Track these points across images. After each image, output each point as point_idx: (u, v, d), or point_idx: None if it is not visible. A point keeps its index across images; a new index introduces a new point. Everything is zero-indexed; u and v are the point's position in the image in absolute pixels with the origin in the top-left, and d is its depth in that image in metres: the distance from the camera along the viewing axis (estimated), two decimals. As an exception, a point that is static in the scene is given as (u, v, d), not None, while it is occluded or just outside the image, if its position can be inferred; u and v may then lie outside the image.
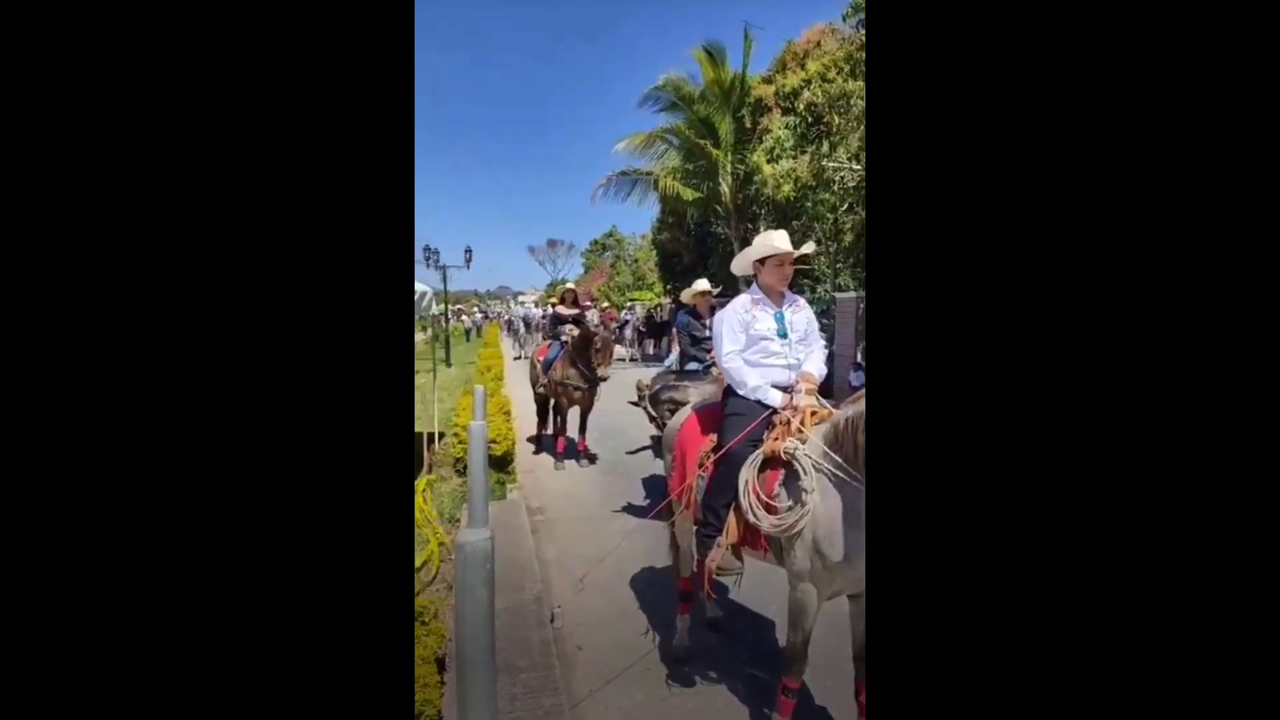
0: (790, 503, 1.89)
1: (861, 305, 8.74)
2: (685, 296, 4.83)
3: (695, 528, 2.39)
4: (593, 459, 5.74)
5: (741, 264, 2.34)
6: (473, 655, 1.43)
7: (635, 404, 4.77)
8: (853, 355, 8.01)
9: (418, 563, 3.33)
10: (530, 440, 6.40)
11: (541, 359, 5.98)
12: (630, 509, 4.47)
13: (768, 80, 12.48)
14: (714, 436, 2.26)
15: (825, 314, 9.90)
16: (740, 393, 2.15)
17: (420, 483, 4.64)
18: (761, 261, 2.23)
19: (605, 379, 5.23)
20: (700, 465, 2.29)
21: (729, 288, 8.21)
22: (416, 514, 4.02)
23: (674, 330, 5.65)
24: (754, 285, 2.31)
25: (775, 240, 2.19)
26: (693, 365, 4.45)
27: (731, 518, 2.08)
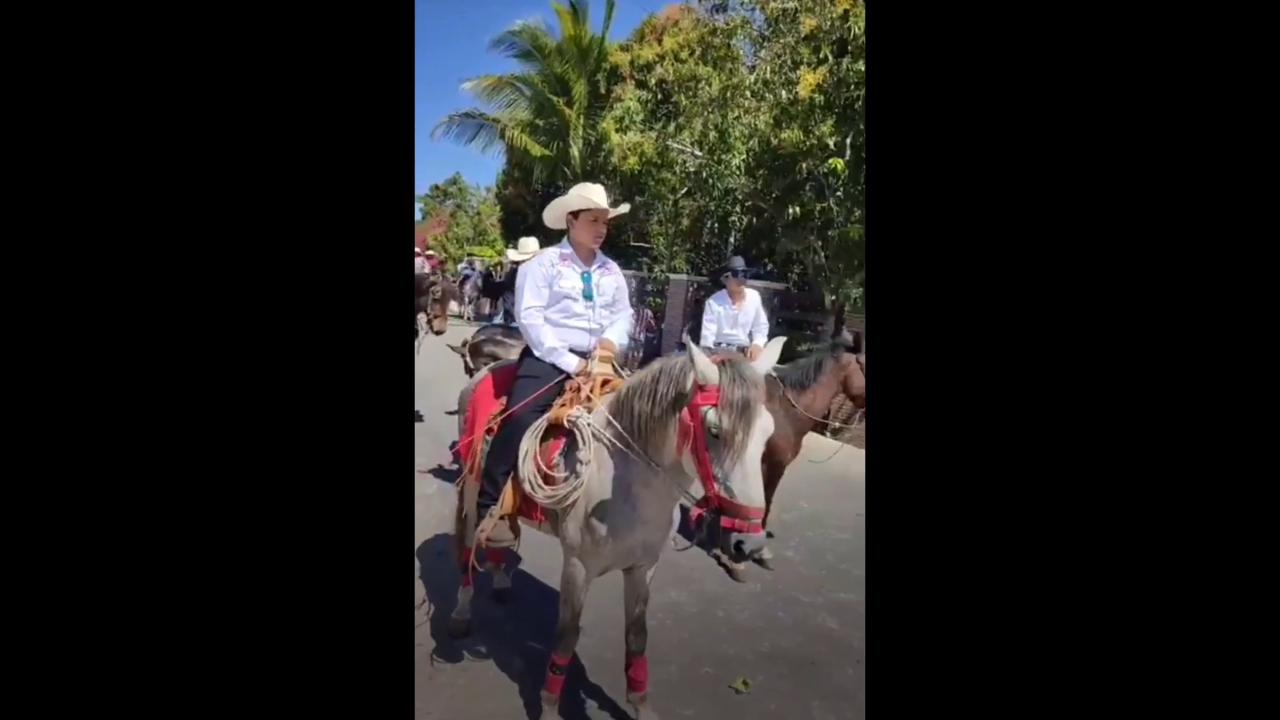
0: (566, 473, 1.82)
1: (691, 289, 9.12)
2: (513, 256, 4.57)
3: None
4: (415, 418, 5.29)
5: (554, 214, 2.18)
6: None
7: (454, 349, 4.42)
8: (678, 336, 8.37)
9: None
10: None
11: None
12: (436, 472, 4.18)
13: (625, 49, 12.34)
14: (505, 400, 2.12)
15: (659, 294, 10.19)
16: (536, 353, 2.04)
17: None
18: (575, 215, 2.09)
19: (441, 333, 4.76)
20: (488, 429, 2.14)
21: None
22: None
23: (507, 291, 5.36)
24: (564, 240, 2.18)
25: (591, 194, 2.06)
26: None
27: (509, 487, 1.97)
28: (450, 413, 5.58)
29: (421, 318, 4.93)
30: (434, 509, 3.60)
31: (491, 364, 2.58)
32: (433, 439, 4.88)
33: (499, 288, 5.56)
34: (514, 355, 3.20)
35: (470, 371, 4.01)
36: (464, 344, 4.40)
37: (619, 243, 14.37)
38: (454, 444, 4.19)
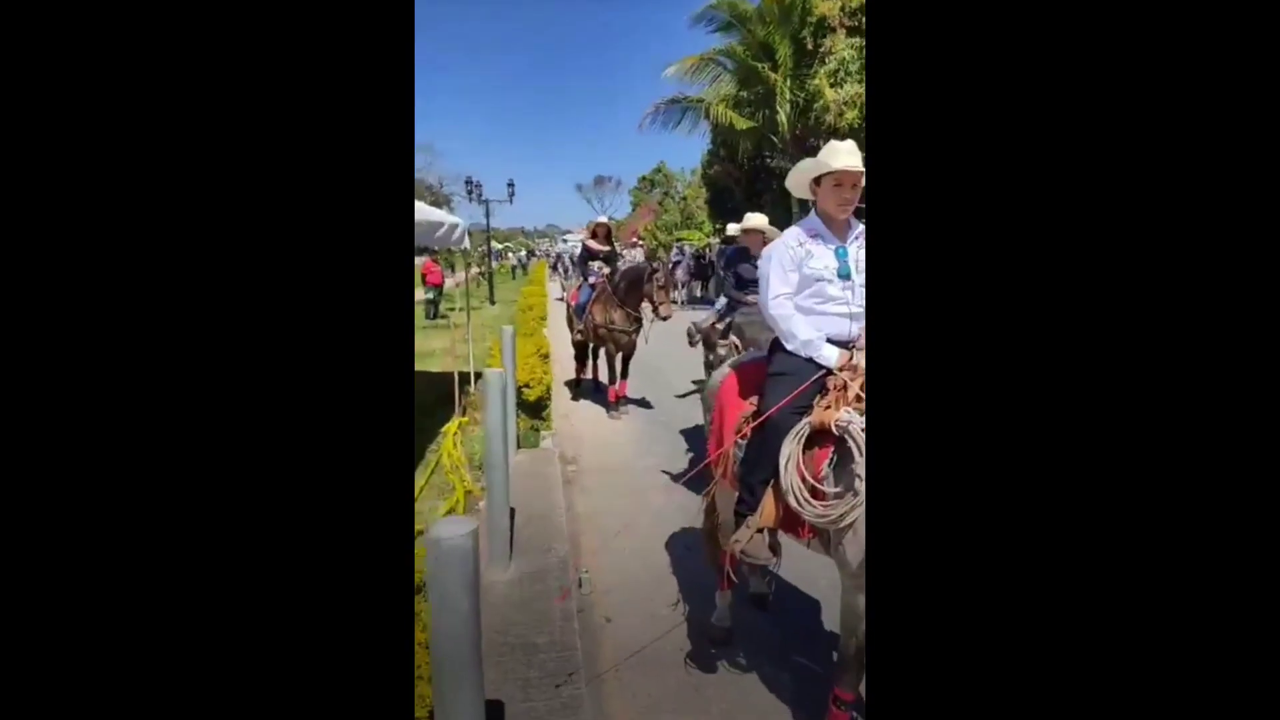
0: (840, 488, 1.54)
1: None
2: (733, 231, 4.33)
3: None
4: (642, 404, 5.47)
5: (797, 181, 1.86)
6: (453, 673, 1.15)
7: (692, 341, 4.40)
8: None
9: (441, 512, 3.16)
10: (568, 384, 6.18)
11: (574, 303, 5.63)
12: (671, 462, 4.20)
13: (833, -5, 11.24)
14: (755, 400, 1.90)
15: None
16: (789, 347, 1.75)
17: (451, 425, 4.48)
18: (819, 182, 1.77)
19: (667, 318, 4.80)
20: (739, 431, 1.93)
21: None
22: (444, 459, 3.86)
23: (721, 272, 5.18)
24: (811, 213, 1.87)
25: (836, 156, 1.69)
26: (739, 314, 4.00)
27: (768, 497, 1.73)
28: (679, 396, 5.65)
29: (646, 306, 5.01)
30: (677, 501, 3.57)
31: (733, 359, 2.37)
32: (664, 427, 4.94)
33: (707, 269, 5.41)
34: (760, 334, 2.98)
35: (710, 364, 3.87)
36: (693, 339, 4.31)
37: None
38: (689, 435, 4.20)
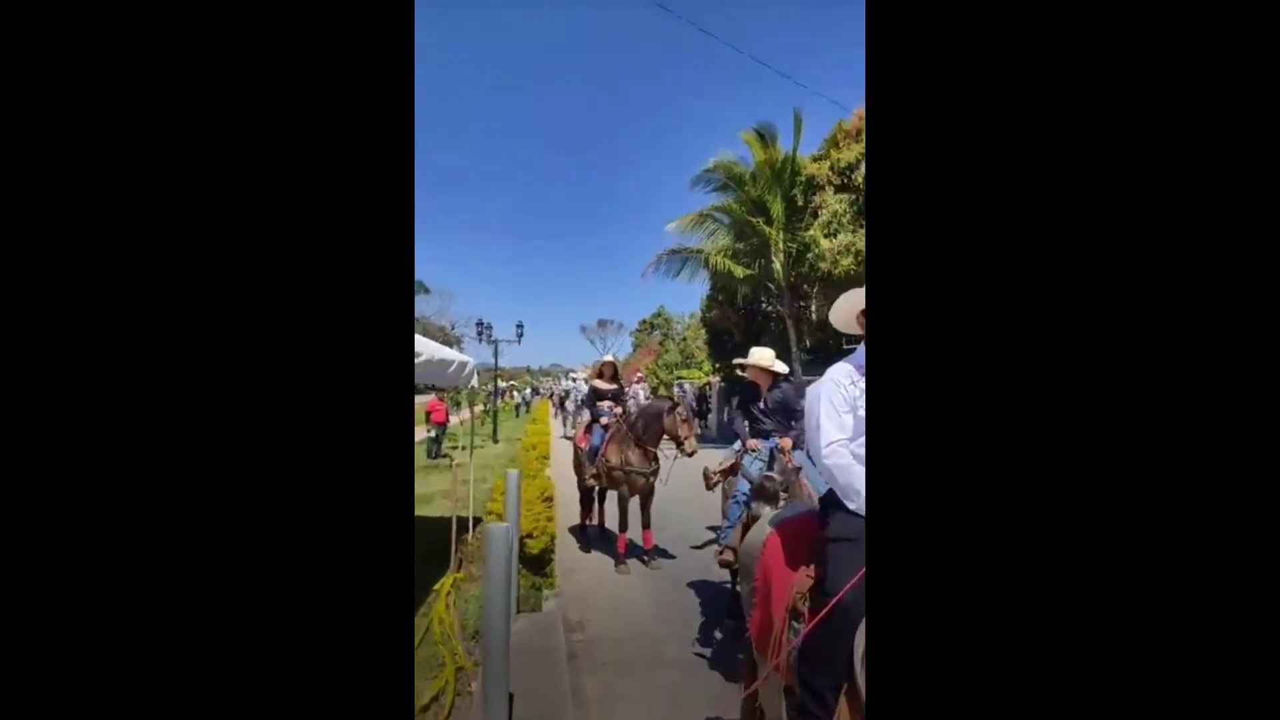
0: None
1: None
2: (748, 368, 4.17)
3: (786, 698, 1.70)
4: (667, 555, 5.03)
5: (844, 313, 1.75)
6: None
7: (710, 485, 4.09)
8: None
9: (428, 696, 2.69)
10: (572, 531, 5.75)
11: (584, 446, 5.37)
12: (687, 628, 3.72)
13: (819, 159, 12.38)
14: (810, 570, 1.62)
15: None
16: (851, 506, 1.51)
17: (445, 583, 4.04)
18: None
19: (693, 454, 4.54)
20: (792, 612, 1.62)
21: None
22: (435, 626, 3.41)
23: (733, 413, 5.02)
24: (859, 349, 1.73)
25: None
26: (755, 461, 3.75)
27: (844, 707, 1.39)
28: (695, 548, 5.20)
29: (664, 445, 4.78)
30: (700, 685, 3.08)
31: (773, 514, 2.10)
32: (675, 584, 4.48)
33: (706, 408, 5.25)
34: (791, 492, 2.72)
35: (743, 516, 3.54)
36: (711, 483, 4.04)
37: (831, 344, 13.68)
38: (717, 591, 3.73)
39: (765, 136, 13.09)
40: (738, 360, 4.27)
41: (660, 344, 28.61)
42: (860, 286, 1.66)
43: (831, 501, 1.60)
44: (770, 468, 3.24)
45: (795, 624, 1.60)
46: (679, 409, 4.66)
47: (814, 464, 1.64)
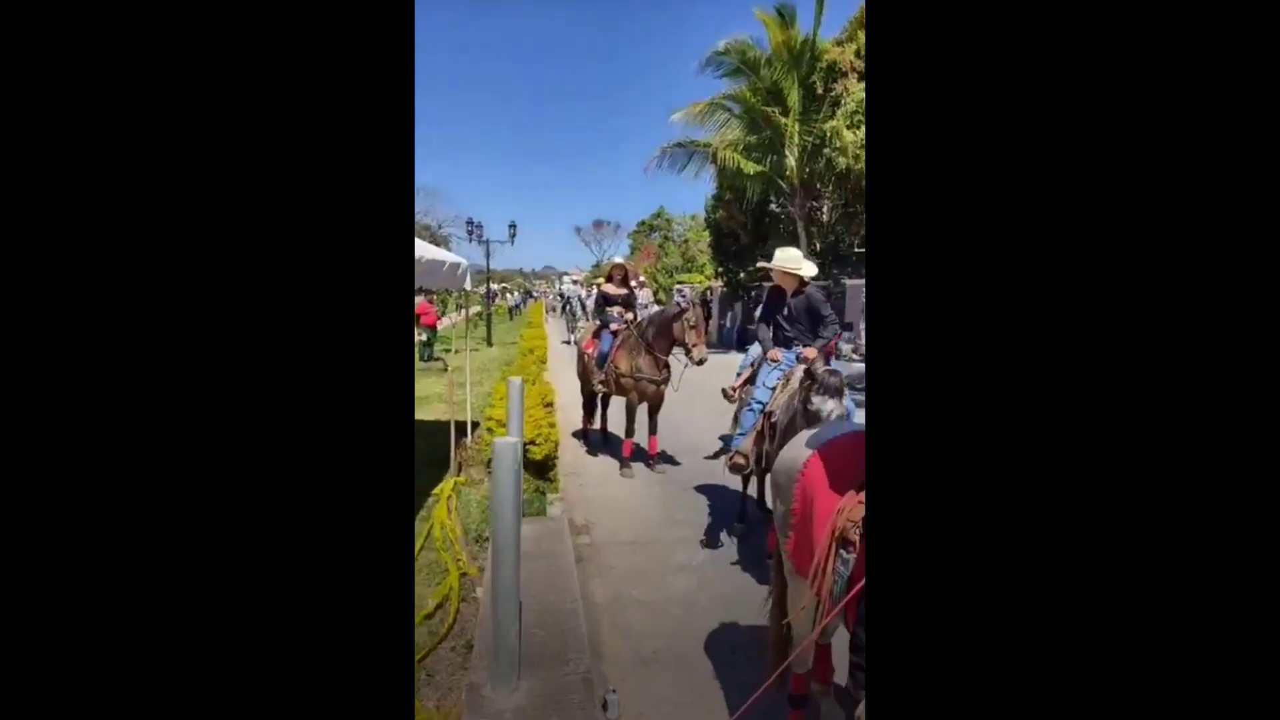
0: None
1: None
2: (774, 272, 3.77)
3: (842, 638, 1.55)
4: (672, 461, 4.93)
5: None
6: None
7: (729, 398, 3.89)
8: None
9: (431, 603, 2.60)
10: (576, 436, 5.65)
11: (592, 352, 5.14)
12: (697, 533, 3.65)
13: (842, 42, 11.27)
14: (863, 496, 1.41)
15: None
16: None
17: (445, 486, 3.93)
18: None
19: (703, 361, 4.34)
20: (842, 540, 1.44)
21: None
22: (437, 530, 3.31)
23: (756, 317, 4.70)
24: None
25: None
26: (775, 371, 3.48)
27: None
28: (709, 457, 5.10)
29: (675, 352, 4.56)
30: (714, 588, 3.01)
31: (813, 432, 1.86)
32: (681, 487, 4.40)
33: (707, 313, 4.98)
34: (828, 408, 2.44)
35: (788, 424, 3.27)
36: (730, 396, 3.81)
37: (842, 248, 13.16)
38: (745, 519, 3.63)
39: (784, 15, 11.83)
40: (762, 264, 3.91)
41: (660, 246, 27.80)
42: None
43: None
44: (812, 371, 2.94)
45: (843, 552, 1.43)
46: (688, 315, 4.40)
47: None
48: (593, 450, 5.38)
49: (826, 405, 2.23)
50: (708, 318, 5.10)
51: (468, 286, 4.42)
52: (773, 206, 14.19)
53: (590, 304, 8.38)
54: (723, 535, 3.58)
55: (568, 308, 15.89)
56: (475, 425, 5.29)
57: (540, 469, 4.06)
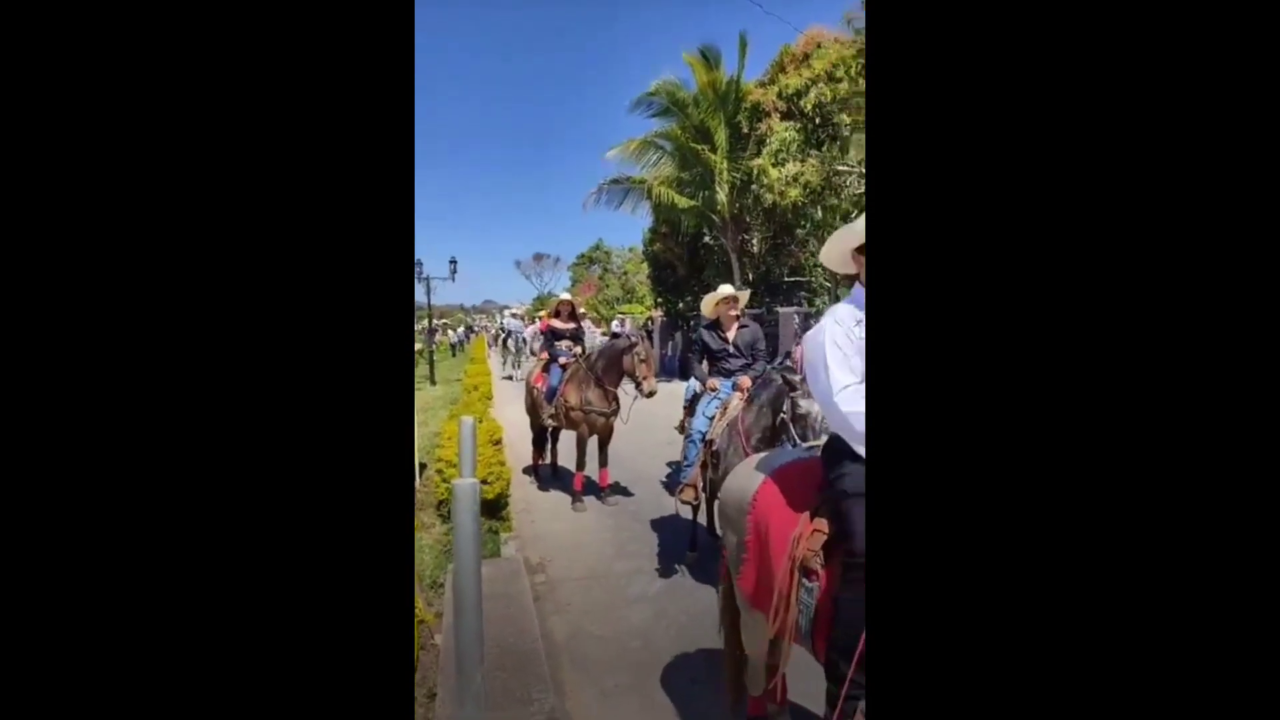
0: None
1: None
2: (706, 306, 4.09)
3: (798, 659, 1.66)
4: (624, 493, 5.00)
5: (837, 252, 1.61)
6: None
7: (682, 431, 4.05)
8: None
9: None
10: (525, 471, 5.64)
11: (540, 386, 5.20)
12: (649, 562, 3.74)
13: (764, 84, 11.98)
14: (823, 523, 1.53)
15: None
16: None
17: (396, 533, 3.86)
18: (862, 250, 1.53)
19: (652, 394, 4.44)
20: (804, 569, 1.52)
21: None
22: (390, 580, 3.25)
23: (691, 349, 4.92)
24: (855, 289, 1.62)
25: None
26: (714, 401, 3.69)
27: None
28: (663, 482, 5.20)
29: (624, 385, 4.67)
30: (670, 618, 3.10)
31: (760, 457, 2.00)
32: (632, 518, 4.49)
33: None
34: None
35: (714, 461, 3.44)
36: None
37: (773, 277, 13.76)
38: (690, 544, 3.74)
39: (709, 58, 12.49)
40: (706, 300, 4.13)
41: (600, 278, 28.11)
42: (796, 223, 1.55)
43: (842, 450, 1.50)
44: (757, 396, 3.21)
45: (806, 581, 1.53)
46: (638, 348, 4.53)
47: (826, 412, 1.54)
48: (543, 485, 5.39)
49: (814, 407, 2.41)
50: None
51: (417, 327, 4.42)
52: (706, 239, 14.70)
53: (529, 338, 8.33)
54: (676, 565, 3.68)
55: (508, 342, 15.78)
56: (424, 467, 5.21)
57: (492, 508, 4.05)
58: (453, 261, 16.58)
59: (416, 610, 2.92)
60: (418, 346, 10.55)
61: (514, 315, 21.13)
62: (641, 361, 4.46)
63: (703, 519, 3.95)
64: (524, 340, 14.80)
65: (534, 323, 17.59)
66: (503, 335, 17.23)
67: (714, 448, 3.43)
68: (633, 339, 4.72)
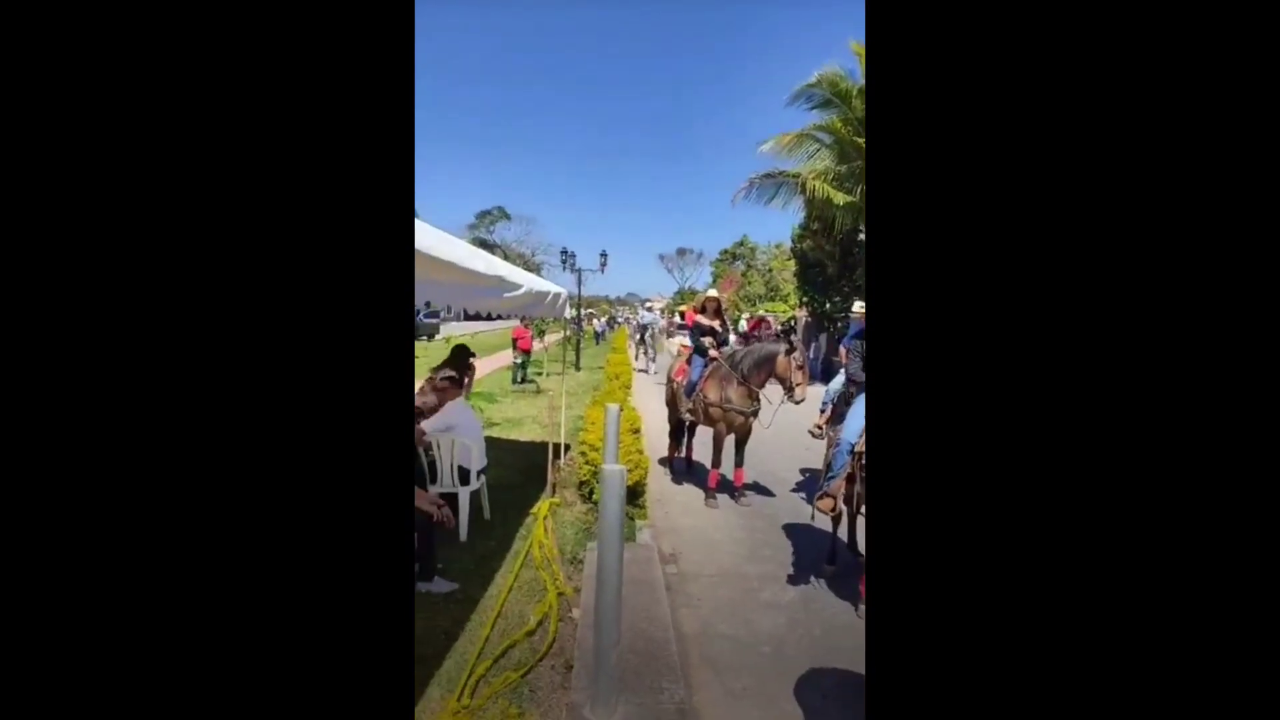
0: None
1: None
2: (859, 310, 3.87)
3: None
4: (766, 493, 4.95)
5: None
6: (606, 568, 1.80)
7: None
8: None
9: (533, 620, 2.76)
10: (661, 463, 5.75)
11: (681, 380, 5.25)
12: (782, 569, 3.63)
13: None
14: None
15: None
16: None
17: (542, 506, 4.14)
18: None
19: (801, 401, 4.36)
20: None
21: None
22: (535, 550, 3.50)
23: (841, 349, 4.67)
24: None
25: None
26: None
27: None
28: (793, 490, 5.06)
29: (768, 386, 4.56)
30: (803, 628, 2.99)
31: None
32: (767, 521, 4.38)
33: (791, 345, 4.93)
34: None
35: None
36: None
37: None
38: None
39: (879, 44, 11.71)
40: (860, 305, 3.91)
41: (743, 274, 27.72)
42: None
43: None
44: None
45: None
46: (795, 354, 4.40)
47: None
48: (677, 479, 5.45)
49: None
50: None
51: (568, 315, 4.68)
52: (861, 237, 13.87)
53: (662, 330, 8.33)
54: (812, 576, 3.54)
55: (644, 336, 16.14)
56: (568, 448, 5.52)
57: (630, 495, 4.18)
58: (603, 254, 17.30)
59: (557, 583, 3.11)
60: (566, 333, 11.14)
61: (646, 308, 21.56)
62: (798, 367, 4.32)
63: (844, 533, 3.75)
64: (659, 331, 15.05)
65: (674, 315, 17.77)
66: (641, 329, 17.68)
67: (864, 460, 3.23)
68: (791, 343, 4.53)
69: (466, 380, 5.13)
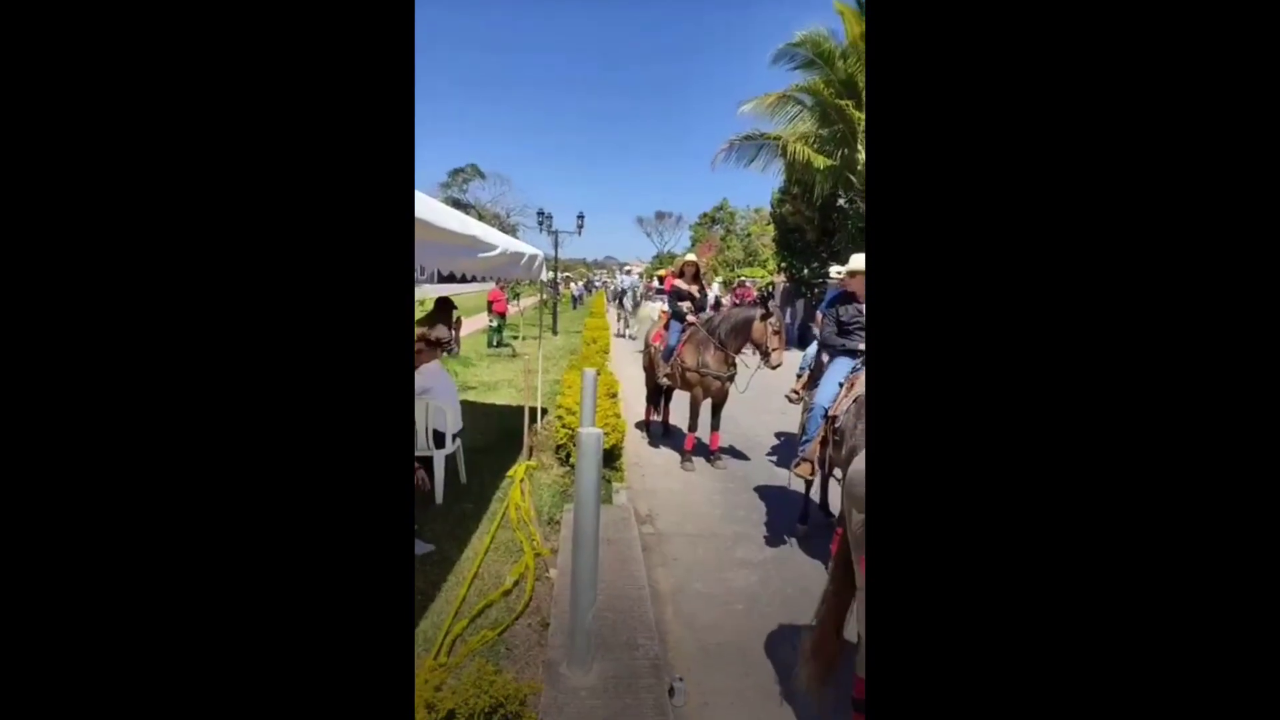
0: None
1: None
2: (836, 274, 3.87)
3: None
4: (741, 456, 5.01)
5: None
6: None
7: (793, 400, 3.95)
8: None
9: (510, 580, 2.78)
10: (638, 427, 5.78)
11: (659, 344, 5.24)
12: (756, 529, 3.71)
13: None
14: None
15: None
16: None
17: (518, 469, 4.14)
18: None
19: (778, 366, 4.37)
20: None
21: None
22: (512, 512, 3.50)
23: (817, 315, 4.69)
24: None
25: None
26: (844, 360, 3.50)
27: None
28: (768, 455, 5.14)
29: (745, 352, 4.58)
30: (774, 585, 3.07)
31: None
32: (742, 483, 4.45)
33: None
34: None
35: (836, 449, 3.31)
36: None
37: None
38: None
39: (863, 7, 11.47)
40: (838, 270, 3.90)
41: (722, 239, 27.57)
42: None
43: None
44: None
45: None
46: (772, 319, 4.39)
47: None
48: (654, 442, 5.50)
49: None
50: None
51: (544, 278, 4.60)
52: (841, 202, 13.85)
53: (641, 294, 8.31)
54: (785, 536, 3.63)
55: (624, 300, 16.06)
56: (544, 412, 5.50)
57: (607, 458, 4.20)
58: (580, 216, 17.00)
59: (534, 543, 3.13)
60: (542, 297, 11.06)
61: (625, 272, 21.41)
62: (775, 333, 4.33)
63: (816, 495, 3.84)
64: (639, 295, 14.99)
65: (652, 279, 17.67)
66: (619, 294, 17.56)
67: (836, 424, 3.28)
68: (767, 309, 4.52)
69: (455, 333, 5.04)
